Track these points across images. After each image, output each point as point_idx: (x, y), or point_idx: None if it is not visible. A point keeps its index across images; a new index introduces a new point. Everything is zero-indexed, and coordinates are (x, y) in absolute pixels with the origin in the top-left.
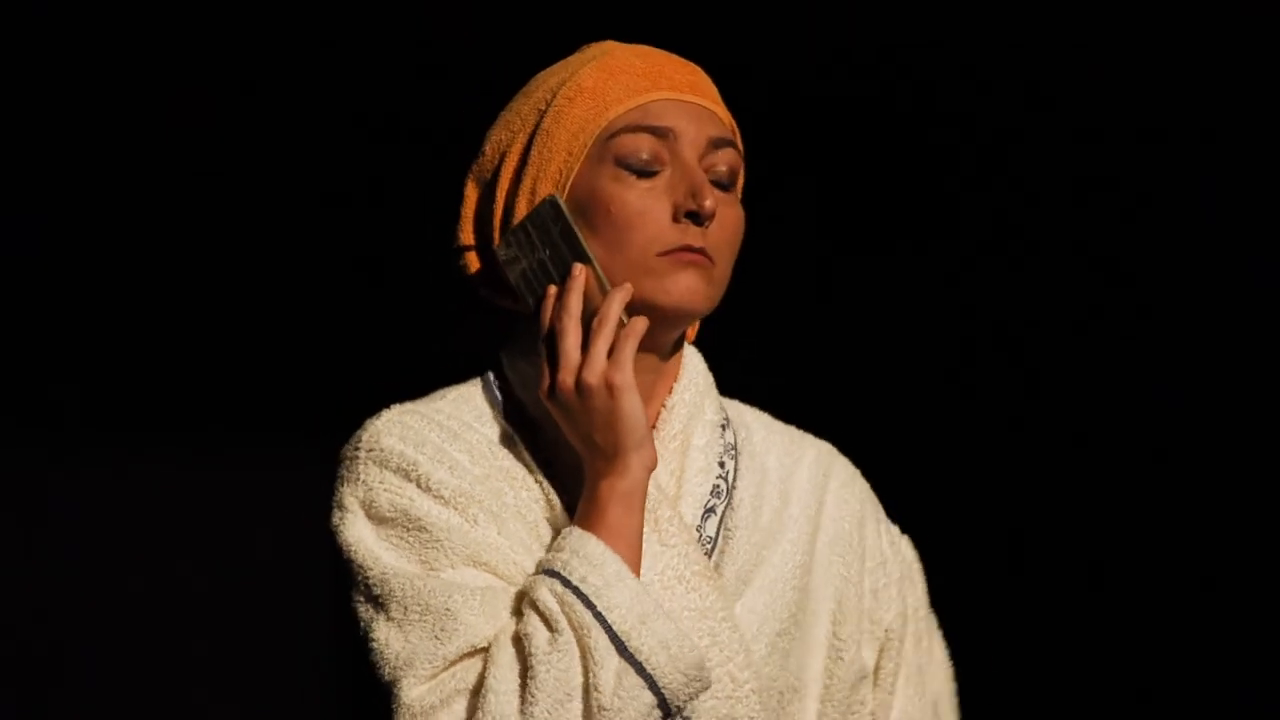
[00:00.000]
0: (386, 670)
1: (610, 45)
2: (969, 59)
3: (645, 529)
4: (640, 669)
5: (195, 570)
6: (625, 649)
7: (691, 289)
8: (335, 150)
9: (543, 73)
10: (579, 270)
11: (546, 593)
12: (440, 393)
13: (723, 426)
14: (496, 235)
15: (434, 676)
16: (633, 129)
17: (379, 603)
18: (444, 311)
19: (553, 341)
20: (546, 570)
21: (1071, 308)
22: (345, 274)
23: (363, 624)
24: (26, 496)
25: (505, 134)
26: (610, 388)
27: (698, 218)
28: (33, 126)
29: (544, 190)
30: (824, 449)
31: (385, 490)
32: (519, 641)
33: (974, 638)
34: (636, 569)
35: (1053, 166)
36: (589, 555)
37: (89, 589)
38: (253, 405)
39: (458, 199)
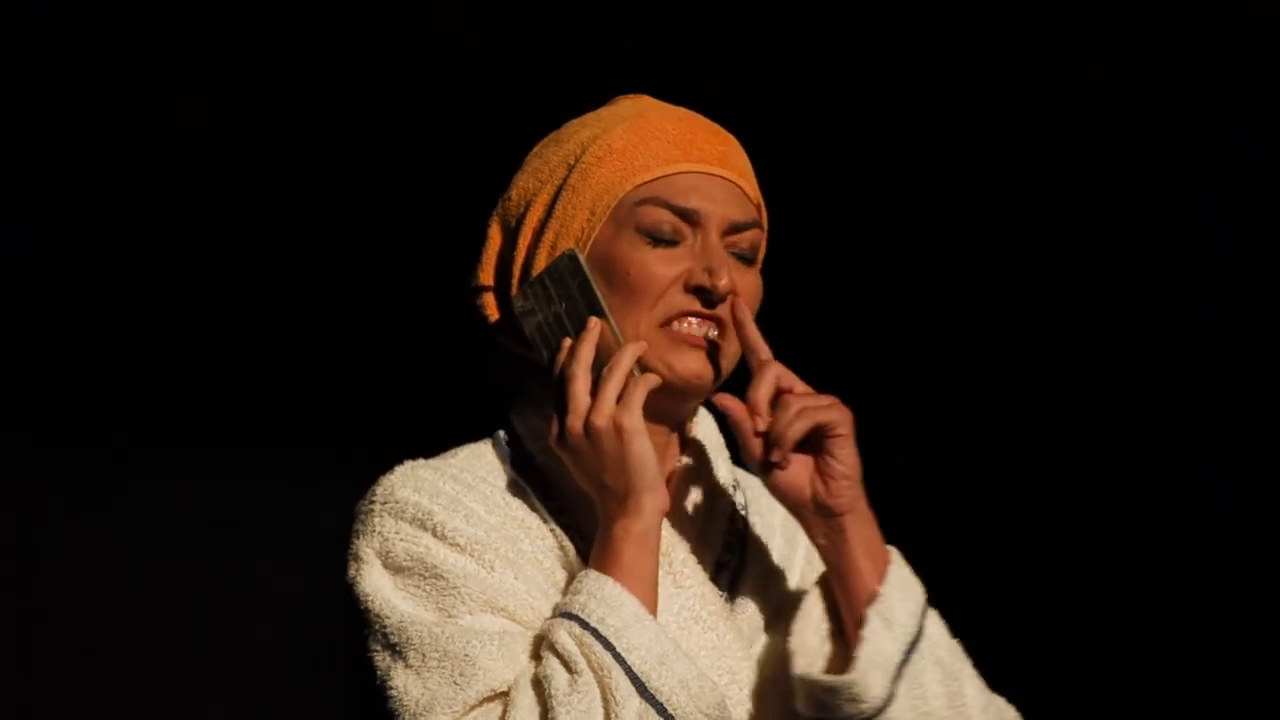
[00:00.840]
0: (406, 717)
1: (646, 104)
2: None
3: (660, 571)
4: (661, 709)
5: (204, 580)
6: (646, 689)
7: (699, 373)
8: (341, 151)
9: (576, 122)
10: (594, 323)
11: (565, 635)
12: (452, 451)
13: (734, 488)
14: (515, 283)
15: None
16: (657, 203)
17: (397, 651)
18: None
19: (563, 388)
20: (564, 613)
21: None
22: (356, 280)
23: (381, 673)
24: (28, 503)
25: (533, 183)
26: (619, 430)
27: (710, 298)
28: (39, 127)
29: (565, 246)
30: None
31: (401, 540)
32: (538, 684)
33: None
34: (653, 609)
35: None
36: (606, 597)
37: (94, 596)
38: (256, 414)
39: (480, 238)
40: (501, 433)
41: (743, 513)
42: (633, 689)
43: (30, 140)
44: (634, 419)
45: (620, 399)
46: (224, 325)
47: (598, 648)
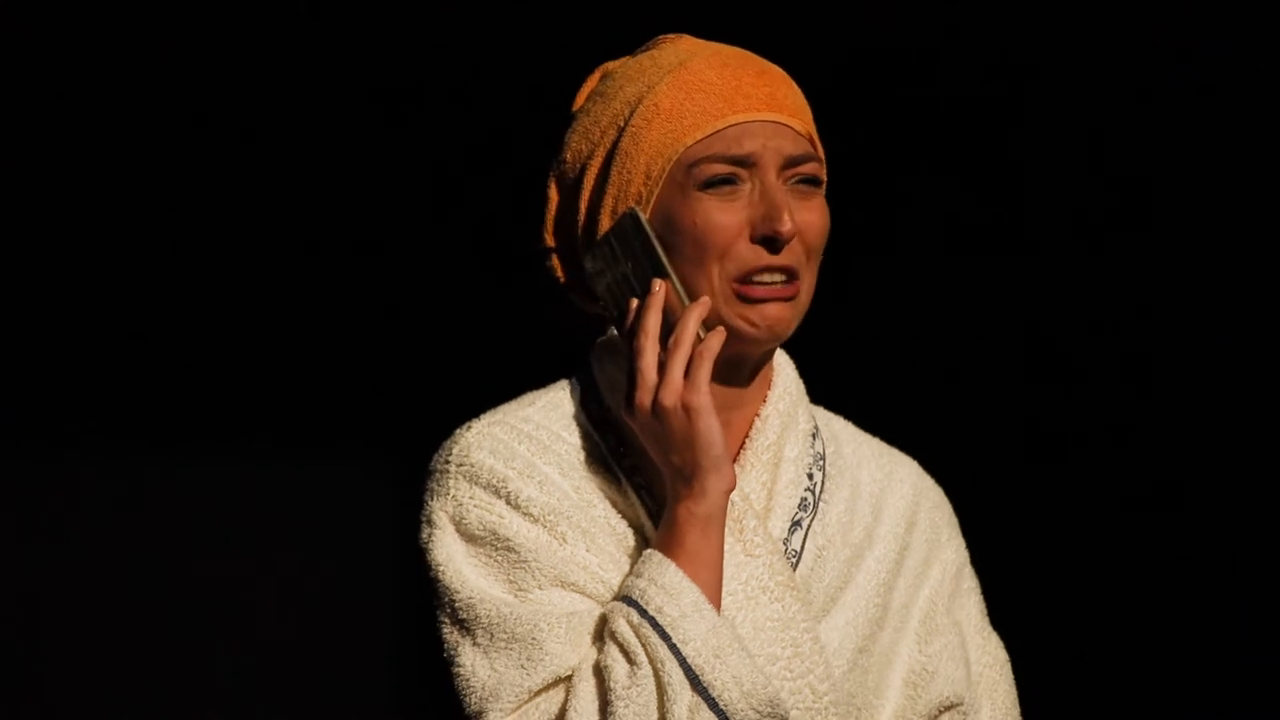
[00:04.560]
0: (473, 699)
1: (687, 50)
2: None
3: (729, 539)
4: (713, 705)
5: (218, 574)
6: (699, 683)
7: (778, 321)
8: (352, 138)
9: (619, 72)
10: (658, 286)
11: (624, 623)
12: (529, 398)
13: (813, 435)
14: (579, 245)
15: (518, 708)
16: (710, 159)
17: (465, 627)
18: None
19: (631, 361)
20: (625, 597)
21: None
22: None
23: (448, 646)
24: (37, 501)
25: (585, 145)
26: (687, 410)
27: (775, 243)
28: (36, 123)
29: (624, 208)
30: (913, 467)
31: (475, 506)
32: (599, 673)
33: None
34: (716, 594)
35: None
36: (666, 584)
37: (101, 592)
38: (253, 408)
39: (541, 200)
40: (580, 377)
41: (820, 464)
42: (686, 682)
43: (28, 136)
44: (701, 397)
45: (688, 374)
46: (222, 321)
47: (654, 638)
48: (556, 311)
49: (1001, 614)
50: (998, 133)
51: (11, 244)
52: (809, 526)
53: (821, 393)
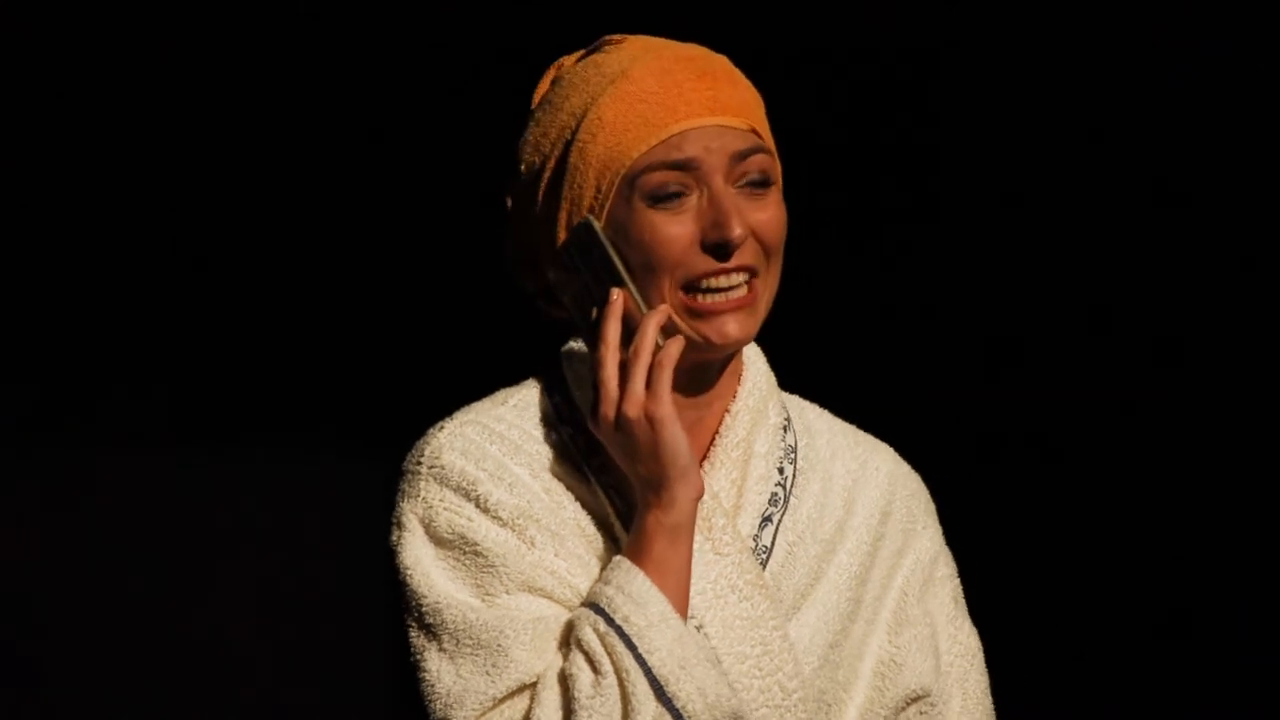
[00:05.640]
0: (437, 705)
1: (630, 55)
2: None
3: (699, 538)
4: (678, 716)
5: (227, 569)
6: (664, 694)
7: (735, 335)
8: (351, 137)
9: (566, 80)
10: (615, 295)
11: (590, 631)
12: (502, 396)
13: (784, 429)
14: (542, 255)
15: (482, 715)
16: (655, 167)
17: (431, 631)
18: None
19: (594, 371)
20: (592, 604)
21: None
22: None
23: (414, 650)
24: (36, 501)
25: (536, 157)
26: (651, 420)
27: (725, 249)
28: (35, 119)
29: (579, 219)
30: (889, 455)
31: (445, 509)
32: (564, 681)
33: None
34: (683, 604)
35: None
36: (634, 593)
37: (97, 587)
38: (272, 402)
39: (501, 210)
40: (552, 376)
41: (791, 457)
42: (651, 692)
43: (28, 136)
44: (664, 407)
45: (650, 384)
46: (221, 321)
47: (620, 647)
48: (545, 314)
49: (999, 611)
50: (997, 128)
51: (14, 244)
52: (779, 522)
53: (795, 381)
